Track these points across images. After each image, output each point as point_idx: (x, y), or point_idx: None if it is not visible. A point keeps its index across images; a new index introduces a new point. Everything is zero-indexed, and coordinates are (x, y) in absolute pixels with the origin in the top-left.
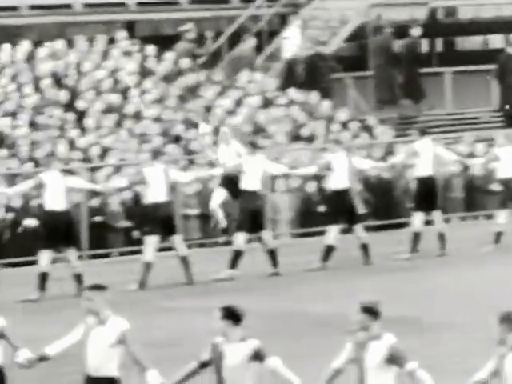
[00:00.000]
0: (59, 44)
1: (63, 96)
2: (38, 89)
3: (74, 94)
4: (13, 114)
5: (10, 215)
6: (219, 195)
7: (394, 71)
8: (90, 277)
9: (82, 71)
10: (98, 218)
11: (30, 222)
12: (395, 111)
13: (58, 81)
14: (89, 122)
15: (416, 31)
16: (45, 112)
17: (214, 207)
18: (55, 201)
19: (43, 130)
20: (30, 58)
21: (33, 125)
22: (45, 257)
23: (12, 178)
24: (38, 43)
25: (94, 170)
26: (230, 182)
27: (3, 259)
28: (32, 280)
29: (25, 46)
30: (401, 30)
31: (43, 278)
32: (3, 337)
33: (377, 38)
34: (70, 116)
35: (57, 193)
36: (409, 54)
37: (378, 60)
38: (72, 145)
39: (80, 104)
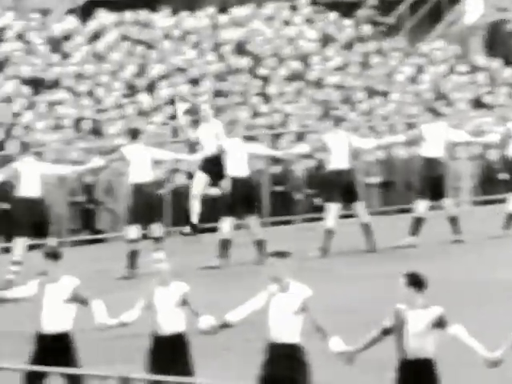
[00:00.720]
0: (242, 11)
1: (246, 63)
2: (220, 56)
3: (257, 60)
4: (195, 81)
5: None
6: (199, 181)
7: None
8: (271, 244)
9: (265, 38)
10: (279, 188)
11: (213, 191)
12: None
13: (240, 48)
14: (271, 89)
15: None
16: (228, 79)
17: (193, 196)
18: (237, 167)
19: (226, 97)
20: (213, 25)
21: (216, 92)
22: (227, 224)
23: (193, 145)
24: (221, 10)
25: (276, 136)
26: (213, 163)
27: (182, 226)
28: (213, 247)
29: (208, 12)
30: None
31: (225, 244)
32: (186, 303)
33: None
34: (253, 83)
35: (238, 159)
36: None
37: None
38: (255, 111)
39: (262, 71)
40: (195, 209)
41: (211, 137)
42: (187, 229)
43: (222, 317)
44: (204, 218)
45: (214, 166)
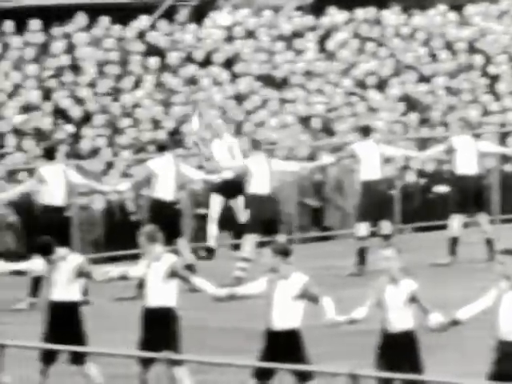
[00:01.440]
0: (475, 8)
1: (478, 60)
2: (453, 53)
3: (487, 58)
4: (426, 79)
5: (423, 180)
6: (216, 204)
7: None
8: (501, 241)
9: (495, 36)
10: (509, 186)
11: (441, 189)
12: None
13: (472, 46)
14: (501, 86)
15: None
16: (459, 77)
17: (212, 219)
18: (467, 165)
19: (456, 95)
20: (445, 22)
21: (447, 89)
22: (456, 221)
23: (423, 143)
24: (452, 8)
25: (506, 135)
26: (229, 183)
27: (413, 223)
28: (442, 244)
29: (439, 10)
30: None
31: (454, 242)
32: (415, 300)
33: None
34: (483, 81)
35: (468, 157)
36: None
37: None
38: (484, 109)
39: (492, 69)
40: (213, 232)
41: (225, 153)
42: (202, 252)
43: (451, 314)
44: (432, 215)
45: (230, 186)
